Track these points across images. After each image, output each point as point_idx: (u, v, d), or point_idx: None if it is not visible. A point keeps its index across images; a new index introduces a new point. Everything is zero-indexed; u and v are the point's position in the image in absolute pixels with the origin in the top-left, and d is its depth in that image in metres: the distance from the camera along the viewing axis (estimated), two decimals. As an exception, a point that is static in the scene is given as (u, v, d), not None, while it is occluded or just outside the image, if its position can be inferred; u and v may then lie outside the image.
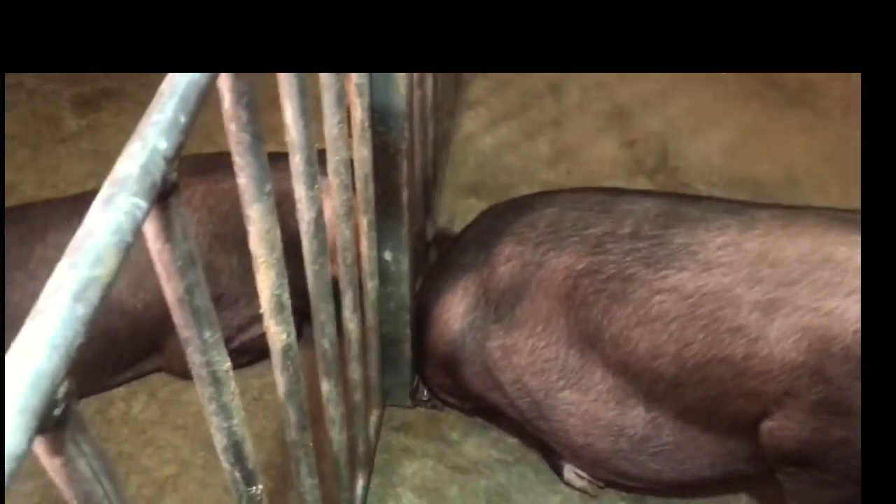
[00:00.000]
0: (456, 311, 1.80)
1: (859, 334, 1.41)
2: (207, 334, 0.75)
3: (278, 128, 1.03)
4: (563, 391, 1.75)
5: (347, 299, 1.46)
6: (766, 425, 1.58)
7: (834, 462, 1.55)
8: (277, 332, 1.04)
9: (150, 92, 2.69)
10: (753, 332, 1.50)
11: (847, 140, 2.69)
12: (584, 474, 1.88)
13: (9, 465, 0.46)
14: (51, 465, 0.54)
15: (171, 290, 0.64)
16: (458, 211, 2.45)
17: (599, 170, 2.64)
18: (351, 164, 1.34)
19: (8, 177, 2.54)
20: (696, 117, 2.84)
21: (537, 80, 2.97)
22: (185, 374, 2.01)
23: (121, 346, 1.90)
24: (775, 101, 2.92)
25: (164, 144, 0.62)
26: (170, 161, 0.62)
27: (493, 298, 1.77)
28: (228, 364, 0.81)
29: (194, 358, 0.76)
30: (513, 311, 1.76)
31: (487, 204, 2.54)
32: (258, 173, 0.86)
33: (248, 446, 0.91)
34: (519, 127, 2.79)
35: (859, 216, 1.54)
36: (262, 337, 2.02)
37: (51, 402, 0.49)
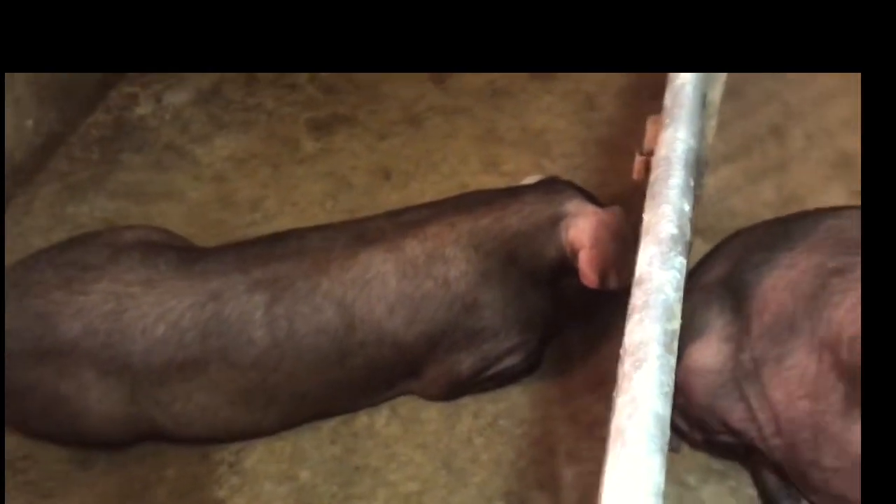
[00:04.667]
0: (717, 334, 1.81)
1: None
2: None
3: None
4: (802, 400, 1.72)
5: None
6: None
7: None
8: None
9: (380, 118, 2.88)
10: None
11: None
12: None
13: (654, 501, 0.50)
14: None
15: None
16: (684, 252, 2.44)
17: (829, 219, 2.57)
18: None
19: (253, 192, 2.73)
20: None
21: (759, 122, 2.93)
22: (439, 397, 2.10)
23: (385, 372, 2.01)
24: None
25: (686, 207, 0.66)
26: (691, 221, 0.66)
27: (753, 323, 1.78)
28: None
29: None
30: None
31: (712, 246, 2.54)
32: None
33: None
34: (742, 170, 2.76)
35: None
36: (514, 367, 2.10)
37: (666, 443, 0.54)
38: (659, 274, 0.61)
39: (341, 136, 2.93)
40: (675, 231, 0.65)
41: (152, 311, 1.82)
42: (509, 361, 2.05)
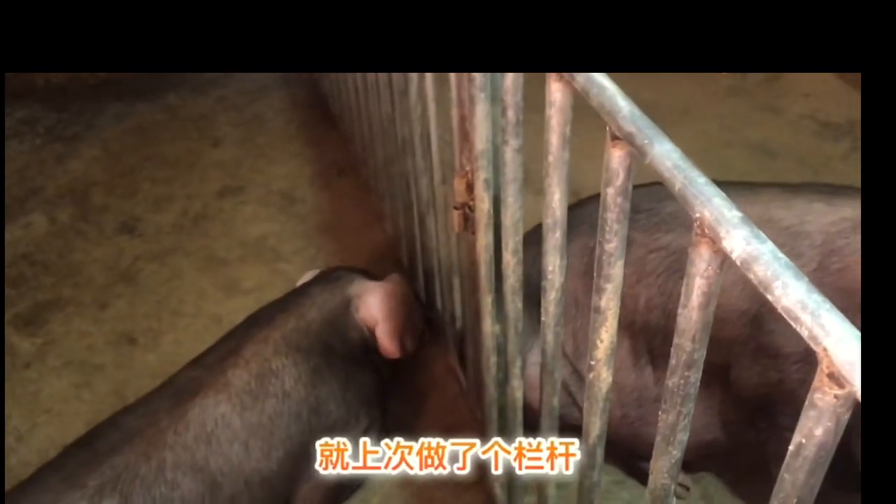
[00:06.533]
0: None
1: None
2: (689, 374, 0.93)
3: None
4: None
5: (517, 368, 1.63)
6: (731, 376, 1.75)
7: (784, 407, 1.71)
8: (606, 378, 1.20)
9: (89, 289, 2.78)
10: None
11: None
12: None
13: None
14: None
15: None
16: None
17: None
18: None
19: (-11, 420, 2.36)
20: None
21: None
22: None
23: None
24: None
25: (724, 195, 0.82)
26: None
27: None
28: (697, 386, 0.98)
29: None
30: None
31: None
32: (625, 237, 1.06)
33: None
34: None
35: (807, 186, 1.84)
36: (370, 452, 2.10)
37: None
38: (762, 247, 0.75)
39: (57, 322, 2.65)
40: (740, 214, 0.79)
41: None
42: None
